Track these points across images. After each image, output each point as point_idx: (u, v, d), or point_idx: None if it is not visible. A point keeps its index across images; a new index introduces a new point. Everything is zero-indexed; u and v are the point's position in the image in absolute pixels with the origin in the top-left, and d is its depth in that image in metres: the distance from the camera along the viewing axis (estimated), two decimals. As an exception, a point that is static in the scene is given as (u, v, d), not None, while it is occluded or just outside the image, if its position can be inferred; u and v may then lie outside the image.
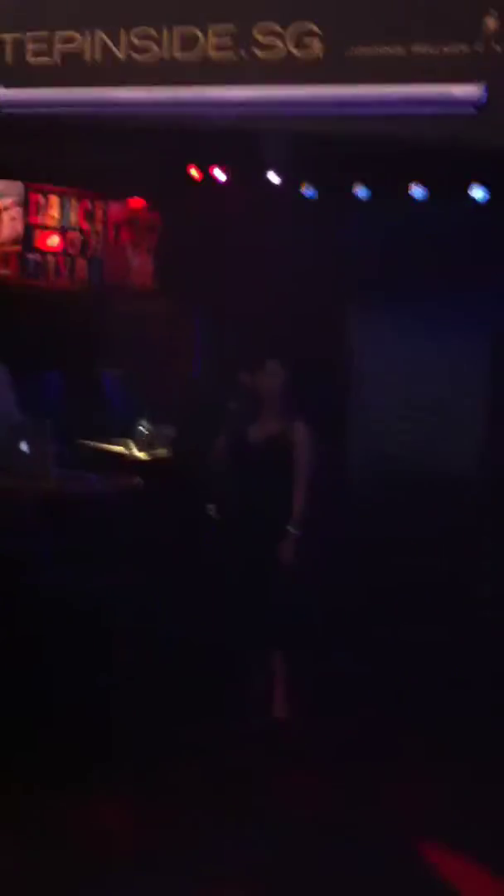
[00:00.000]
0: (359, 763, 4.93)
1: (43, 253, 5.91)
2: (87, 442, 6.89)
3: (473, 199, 6.39)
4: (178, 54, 4.26)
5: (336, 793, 4.70)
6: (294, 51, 4.18)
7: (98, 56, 4.34)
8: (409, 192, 6.34)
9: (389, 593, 6.29)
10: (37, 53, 4.35)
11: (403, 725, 5.32)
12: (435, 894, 3.95)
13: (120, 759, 4.80)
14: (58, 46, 4.35)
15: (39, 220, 5.84)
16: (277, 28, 4.15)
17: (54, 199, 5.80)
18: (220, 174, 6.40)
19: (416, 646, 5.95)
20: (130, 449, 6.94)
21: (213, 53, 4.23)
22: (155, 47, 4.29)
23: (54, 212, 5.83)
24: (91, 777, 4.61)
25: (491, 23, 4.02)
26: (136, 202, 6.15)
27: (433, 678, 5.78)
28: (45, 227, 5.86)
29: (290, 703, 5.33)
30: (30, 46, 4.34)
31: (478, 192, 6.35)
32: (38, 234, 5.84)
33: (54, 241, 5.82)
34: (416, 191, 6.33)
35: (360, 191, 6.47)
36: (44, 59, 4.37)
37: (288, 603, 5.33)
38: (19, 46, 4.34)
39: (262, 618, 5.33)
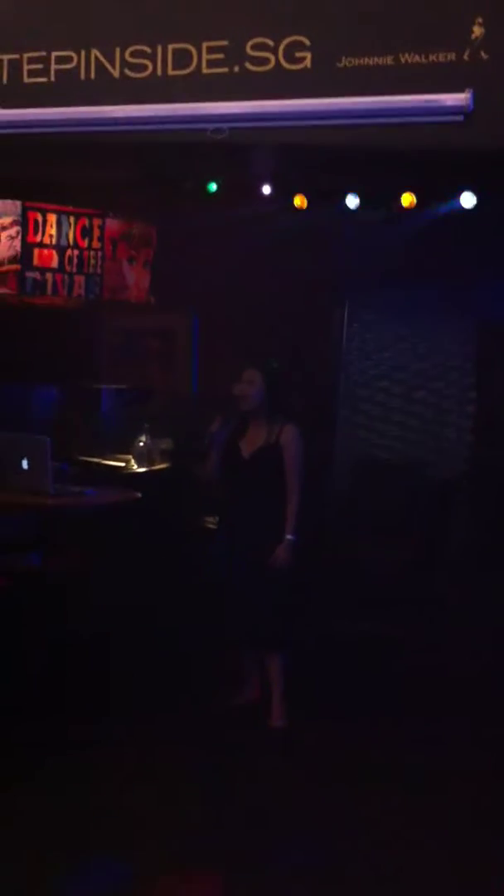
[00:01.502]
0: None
1: (42, 271, 5.97)
2: (85, 457, 6.93)
3: (461, 204, 6.48)
4: (172, 71, 4.35)
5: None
6: (285, 64, 4.27)
7: (93, 74, 4.42)
8: (397, 199, 6.43)
9: (378, 590, 6.34)
10: (33, 73, 4.42)
11: (392, 724, 5.37)
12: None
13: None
14: (54, 66, 4.43)
15: (37, 238, 5.90)
16: (269, 42, 4.25)
17: (52, 217, 5.86)
18: (214, 187, 6.48)
19: (404, 643, 6.00)
20: (129, 463, 6.97)
21: (206, 69, 4.33)
22: (149, 64, 4.37)
23: (52, 230, 5.88)
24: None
25: (477, 31, 4.11)
26: (133, 217, 6.21)
27: (424, 674, 5.84)
28: (43, 245, 5.92)
29: (288, 705, 5.36)
30: (26, 66, 4.41)
31: (466, 197, 6.44)
32: (36, 252, 5.90)
33: (52, 259, 5.88)
34: (404, 198, 6.42)
35: (351, 199, 6.56)
36: (40, 79, 4.44)
37: (285, 606, 5.37)
38: (16, 66, 4.41)
39: (261, 623, 5.36)
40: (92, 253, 5.99)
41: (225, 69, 4.29)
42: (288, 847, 4.20)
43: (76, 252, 5.95)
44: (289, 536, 5.26)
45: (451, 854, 4.18)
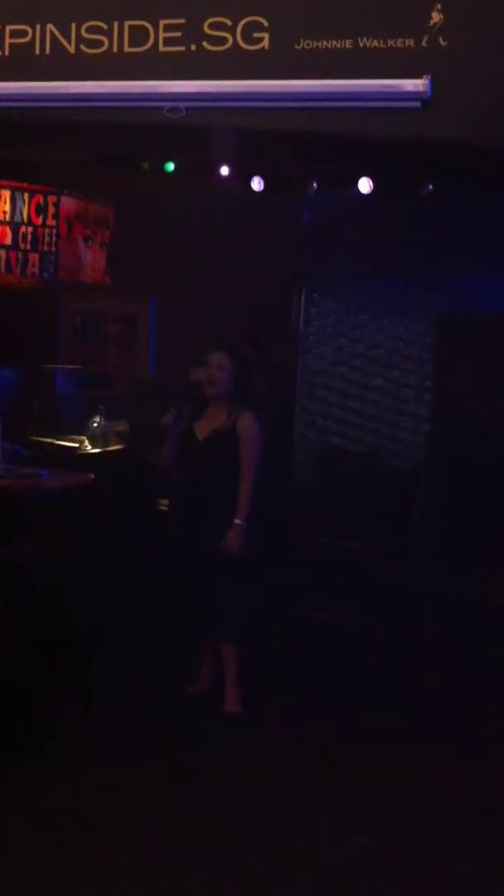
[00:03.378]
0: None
1: (-6, 247, 5.90)
2: (39, 437, 6.88)
3: (416, 190, 6.48)
4: (128, 48, 4.31)
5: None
6: (243, 44, 4.24)
7: (48, 49, 4.37)
8: (354, 183, 6.42)
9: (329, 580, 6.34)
10: (-13, 47, 4.37)
11: (341, 712, 5.39)
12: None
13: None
14: (8, 40, 4.37)
15: (-10, 214, 5.83)
16: (227, 22, 4.22)
17: (5, 194, 5.78)
18: (172, 168, 6.45)
19: (355, 632, 6.01)
20: (83, 444, 6.93)
21: (163, 47, 4.29)
22: (105, 41, 4.33)
23: (5, 206, 5.80)
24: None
25: (436, 17, 4.10)
26: (89, 196, 6.15)
27: (372, 664, 5.85)
28: (-4, 222, 5.86)
29: (237, 691, 5.36)
30: (-20, 40, 4.36)
31: (421, 184, 6.45)
32: (-12, 229, 5.83)
33: (6, 235, 5.80)
34: (362, 182, 6.41)
35: (309, 182, 6.54)
36: (-6, 53, 4.39)
37: (239, 593, 5.36)
38: (-31, 40, 4.35)
39: (214, 610, 5.35)
40: (47, 230, 5.91)
41: (182, 48, 4.27)
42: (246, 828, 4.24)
43: (30, 229, 5.87)
44: (238, 521, 5.24)
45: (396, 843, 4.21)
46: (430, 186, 6.41)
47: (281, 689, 5.63)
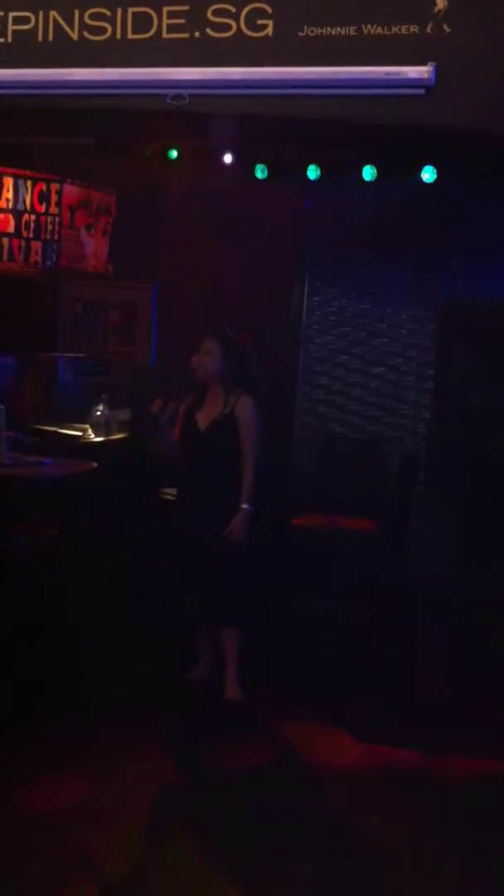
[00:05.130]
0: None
1: (-3, 235, 5.89)
2: (41, 426, 6.88)
3: (421, 178, 6.45)
4: (131, 34, 4.30)
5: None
6: (247, 31, 4.23)
7: (51, 36, 4.36)
8: (357, 170, 6.40)
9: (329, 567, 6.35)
10: (-10, 34, 4.36)
11: (343, 700, 5.39)
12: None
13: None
14: (11, 27, 4.36)
15: (-7, 202, 5.81)
16: (231, 8, 4.21)
17: (8, 182, 5.77)
18: (175, 155, 6.42)
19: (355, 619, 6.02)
20: (86, 433, 6.93)
21: (166, 34, 4.28)
22: (108, 27, 4.32)
23: (8, 194, 5.79)
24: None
25: (440, 3, 4.10)
26: (91, 184, 6.13)
27: (377, 650, 5.86)
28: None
29: (238, 678, 5.38)
30: (-17, 27, 4.35)
31: (426, 171, 6.42)
32: (-9, 216, 5.82)
33: (8, 223, 5.79)
34: (365, 170, 6.39)
35: (311, 170, 6.52)
36: (-3, 40, 4.38)
37: (242, 581, 5.37)
38: (-28, 27, 4.35)
39: (217, 598, 5.36)
40: (49, 218, 5.89)
41: (185, 34, 4.27)
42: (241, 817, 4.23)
43: (33, 217, 5.85)
44: (244, 506, 5.24)
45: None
46: (434, 173, 6.38)
47: (279, 676, 5.63)
